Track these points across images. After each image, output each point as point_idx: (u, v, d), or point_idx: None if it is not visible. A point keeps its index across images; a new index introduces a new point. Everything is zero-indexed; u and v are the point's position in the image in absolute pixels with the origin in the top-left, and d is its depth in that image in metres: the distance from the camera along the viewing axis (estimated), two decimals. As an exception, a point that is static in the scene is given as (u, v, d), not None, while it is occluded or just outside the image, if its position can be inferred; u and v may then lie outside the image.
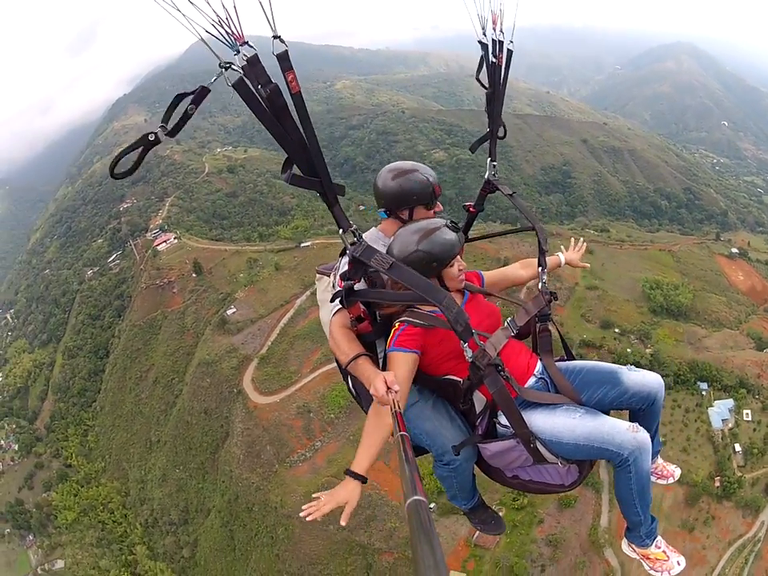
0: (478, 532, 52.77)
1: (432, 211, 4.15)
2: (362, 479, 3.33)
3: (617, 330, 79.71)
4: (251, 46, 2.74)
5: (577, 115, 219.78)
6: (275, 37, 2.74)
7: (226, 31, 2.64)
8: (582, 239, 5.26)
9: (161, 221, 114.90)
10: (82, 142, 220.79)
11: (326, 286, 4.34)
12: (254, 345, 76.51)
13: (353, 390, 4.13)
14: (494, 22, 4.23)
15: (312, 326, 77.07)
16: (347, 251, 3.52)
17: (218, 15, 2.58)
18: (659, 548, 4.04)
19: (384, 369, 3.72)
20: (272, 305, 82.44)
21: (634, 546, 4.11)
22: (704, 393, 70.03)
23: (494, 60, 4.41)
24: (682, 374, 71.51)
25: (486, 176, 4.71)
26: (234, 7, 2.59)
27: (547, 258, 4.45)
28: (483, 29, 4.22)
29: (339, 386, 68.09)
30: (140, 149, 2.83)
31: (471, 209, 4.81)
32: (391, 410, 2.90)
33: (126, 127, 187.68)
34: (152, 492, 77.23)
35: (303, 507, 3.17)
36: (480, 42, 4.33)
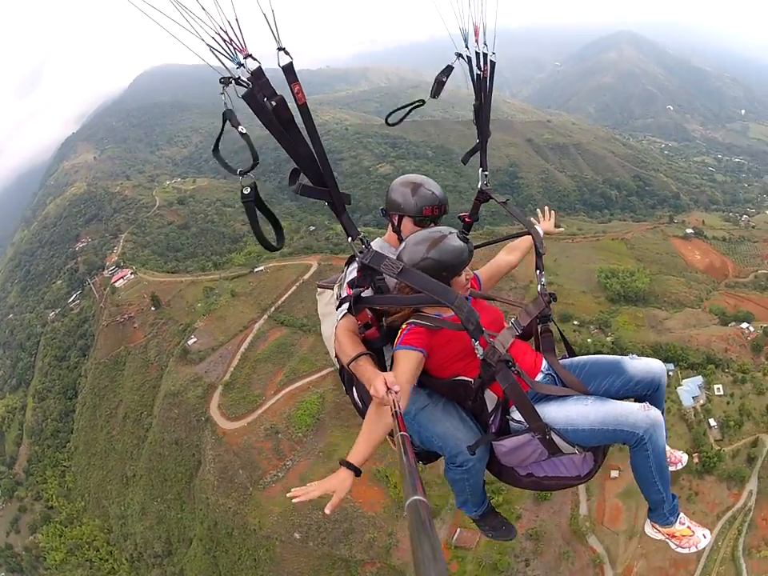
0: (457, 533, 54.13)
1: (420, 228, 4.20)
2: (357, 471, 3.41)
3: (575, 323, 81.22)
4: (255, 59, 2.83)
5: (520, 116, 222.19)
6: (280, 48, 2.83)
7: (228, 45, 2.71)
8: (546, 207, 5.53)
9: (116, 257, 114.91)
10: (34, 185, 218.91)
11: (327, 300, 4.49)
12: (217, 372, 77.09)
13: (359, 401, 4.21)
14: (475, 35, 4.40)
15: (272, 349, 79.02)
16: (356, 259, 3.71)
17: (219, 28, 2.64)
18: (683, 524, 4.16)
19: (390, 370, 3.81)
20: (231, 331, 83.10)
21: (658, 526, 4.21)
22: (671, 373, 70.07)
23: (479, 72, 4.59)
24: (645, 358, 73.32)
25: (479, 186, 4.88)
26: (236, 20, 2.65)
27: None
28: (465, 41, 4.39)
29: (304, 405, 70.16)
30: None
31: (467, 219, 4.94)
32: (391, 410, 2.98)
33: (76, 166, 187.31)
34: (133, 527, 77.09)
35: (292, 490, 3.33)
36: (458, 53, 4.58)
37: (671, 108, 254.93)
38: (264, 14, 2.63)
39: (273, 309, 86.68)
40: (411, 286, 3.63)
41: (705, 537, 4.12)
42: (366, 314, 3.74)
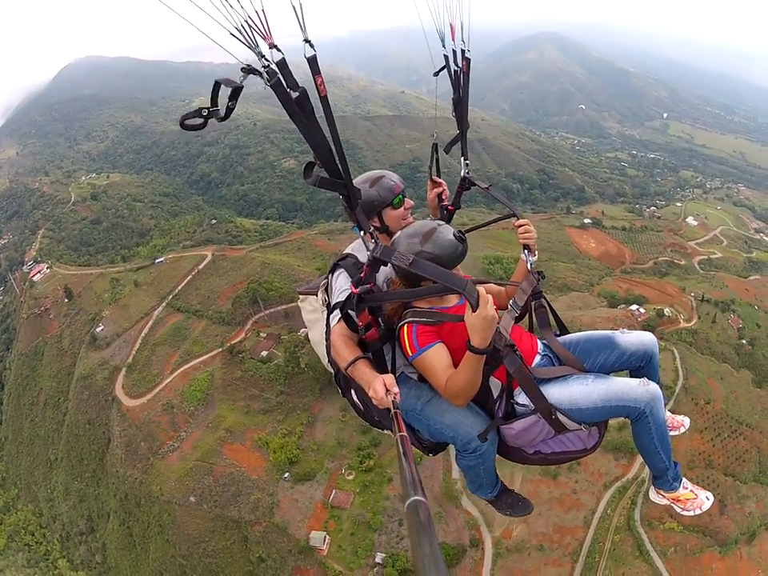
0: (333, 494, 59.54)
1: (402, 208, 4.34)
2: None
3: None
4: (279, 50, 2.76)
5: (432, 112, 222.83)
6: (306, 41, 2.79)
7: (253, 34, 2.64)
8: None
9: (34, 253, 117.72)
10: None
11: (312, 306, 4.56)
12: (121, 355, 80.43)
13: (359, 403, 4.19)
14: (452, 33, 4.45)
15: (169, 333, 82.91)
16: (368, 253, 3.56)
17: (247, 17, 2.60)
18: (686, 488, 4.25)
19: (393, 371, 3.90)
20: (134, 318, 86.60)
21: (662, 492, 4.31)
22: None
23: (457, 68, 4.62)
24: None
25: (461, 174, 4.95)
26: (263, 10, 2.62)
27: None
28: (442, 40, 4.44)
29: (196, 382, 73.18)
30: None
31: (449, 207, 4.98)
32: (390, 411, 3.03)
33: (0, 162, 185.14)
34: (60, 507, 79.24)
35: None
36: (435, 73, 4.74)
37: (583, 107, 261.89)
38: (293, 6, 2.65)
39: (170, 297, 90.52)
40: (405, 280, 3.74)
41: (708, 499, 4.23)
42: (366, 314, 3.68)
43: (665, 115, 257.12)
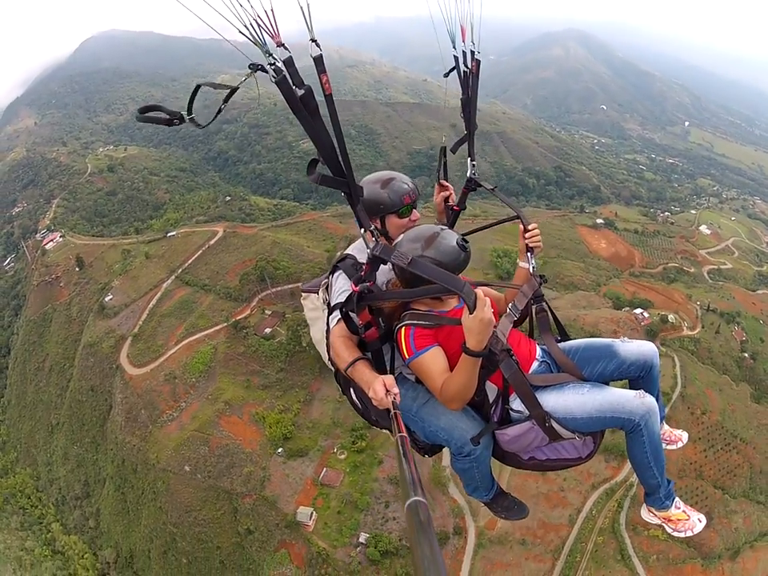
0: (323, 472, 60.42)
1: (407, 219, 4.25)
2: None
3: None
4: (286, 48, 2.84)
5: (453, 101, 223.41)
6: (312, 40, 2.87)
7: (261, 32, 2.70)
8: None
9: (48, 221, 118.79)
10: None
11: (313, 304, 4.54)
12: (128, 325, 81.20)
13: (357, 402, 4.21)
14: (462, 35, 4.49)
15: (176, 306, 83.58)
16: (368, 251, 3.56)
17: (256, 15, 2.64)
18: (679, 508, 4.18)
19: (393, 372, 3.94)
20: (142, 289, 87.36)
21: (654, 510, 4.25)
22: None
23: (467, 69, 4.68)
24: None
25: (467, 174, 4.91)
26: (272, 9, 2.67)
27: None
28: (453, 42, 4.48)
29: (199, 355, 73.96)
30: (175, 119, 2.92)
31: (455, 207, 4.99)
32: (390, 412, 3.03)
33: (18, 131, 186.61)
34: (57, 472, 79.90)
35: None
36: (445, 74, 4.84)
37: (604, 108, 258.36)
38: (300, 7, 2.71)
39: (180, 270, 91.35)
40: (404, 281, 3.76)
41: (700, 521, 4.17)
42: (366, 312, 3.70)
43: (686, 124, 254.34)
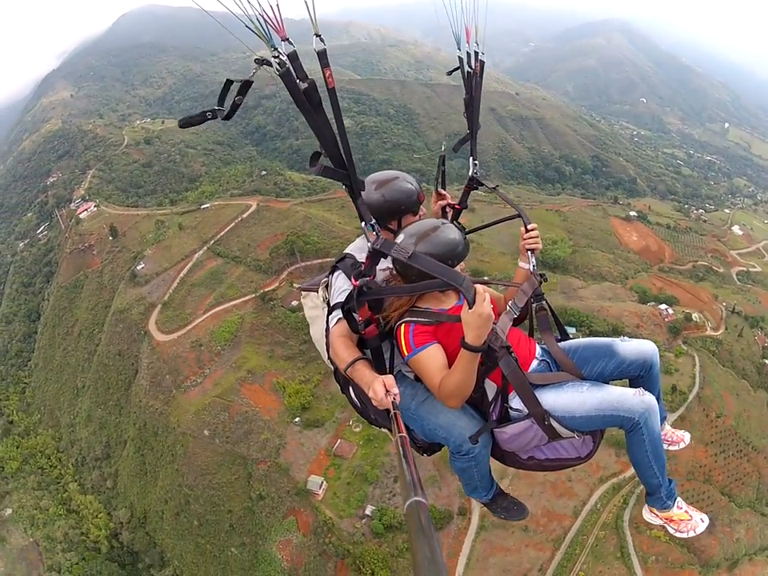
0: (338, 443, 61.66)
1: (418, 216, 4.33)
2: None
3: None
4: (291, 43, 2.87)
5: (495, 85, 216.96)
6: (316, 35, 2.90)
7: (267, 26, 2.75)
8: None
9: (83, 191, 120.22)
10: (13, 120, 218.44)
11: (314, 303, 4.54)
12: (158, 293, 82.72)
13: (356, 401, 4.19)
14: (467, 36, 4.48)
15: (206, 276, 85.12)
16: (368, 246, 3.62)
17: (262, 9, 2.68)
18: (681, 508, 4.13)
19: (392, 370, 3.95)
20: (174, 259, 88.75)
21: (655, 510, 4.20)
22: (571, 336, 70.71)
23: (471, 70, 4.63)
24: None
25: (469, 173, 4.90)
26: (277, 5, 2.70)
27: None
28: (458, 43, 4.45)
29: (226, 324, 75.47)
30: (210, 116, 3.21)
31: (456, 206, 4.95)
32: (390, 412, 3.03)
33: (54, 103, 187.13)
34: (80, 433, 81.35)
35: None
36: (449, 72, 4.89)
37: (644, 100, 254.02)
38: (305, 3, 2.77)
39: (212, 242, 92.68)
40: (404, 277, 3.79)
41: (703, 521, 4.13)
42: (366, 309, 3.71)
43: (726, 125, 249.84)
